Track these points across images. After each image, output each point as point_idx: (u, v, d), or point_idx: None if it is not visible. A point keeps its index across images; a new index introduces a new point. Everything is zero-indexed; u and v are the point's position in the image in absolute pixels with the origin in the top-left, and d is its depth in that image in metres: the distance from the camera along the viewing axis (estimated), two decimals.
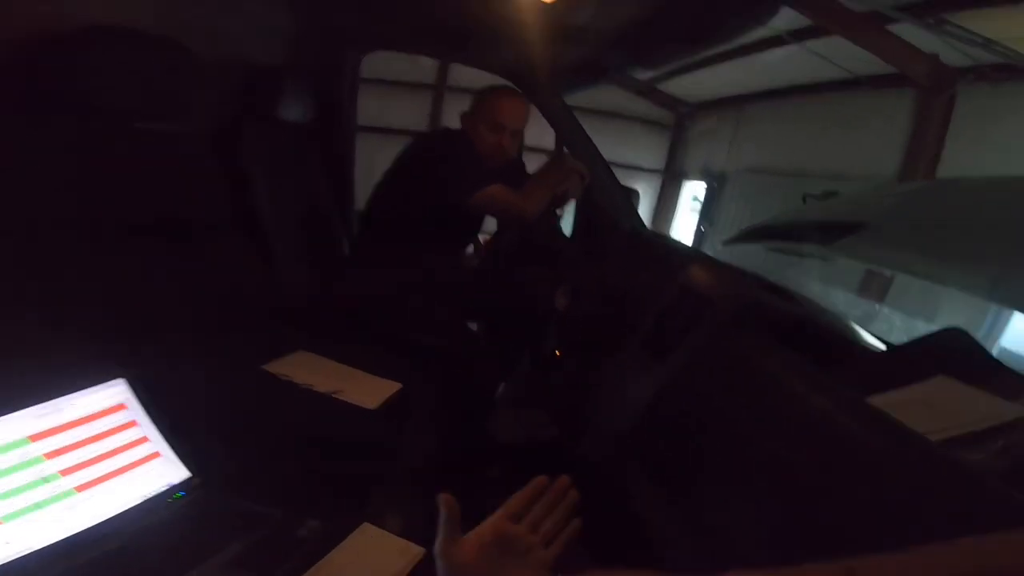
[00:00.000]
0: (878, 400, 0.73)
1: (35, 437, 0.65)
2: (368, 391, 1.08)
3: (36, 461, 0.64)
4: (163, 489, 0.75)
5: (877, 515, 0.55)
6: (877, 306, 2.58)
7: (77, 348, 0.74)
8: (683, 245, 1.77)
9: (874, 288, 2.73)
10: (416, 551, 0.74)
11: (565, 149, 1.69)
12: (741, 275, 1.13)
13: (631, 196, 1.76)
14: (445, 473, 1.25)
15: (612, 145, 5.17)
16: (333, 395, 1.04)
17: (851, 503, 0.58)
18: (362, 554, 0.72)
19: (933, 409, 0.70)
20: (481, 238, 1.89)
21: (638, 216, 1.72)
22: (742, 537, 0.69)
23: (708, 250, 4.12)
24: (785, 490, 0.66)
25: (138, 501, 0.72)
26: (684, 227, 5.51)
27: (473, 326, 1.85)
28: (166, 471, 0.76)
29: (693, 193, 5.54)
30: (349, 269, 1.62)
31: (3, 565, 0.59)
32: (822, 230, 1.17)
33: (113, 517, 0.69)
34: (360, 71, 1.92)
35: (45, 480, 0.64)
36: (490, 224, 1.73)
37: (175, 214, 1.08)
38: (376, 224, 1.56)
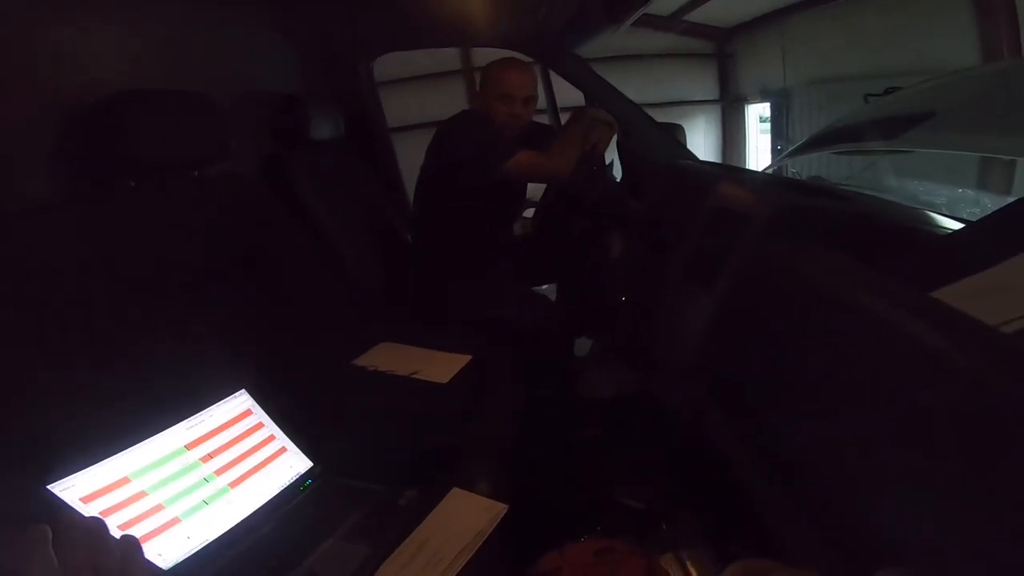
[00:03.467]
0: (944, 292, 0.67)
1: (190, 445, 0.83)
2: (442, 368, 1.23)
3: (195, 466, 0.82)
4: (295, 479, 0.92)
5: (947, 424, 0.51)
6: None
7: (203, 369, 0.93)
8: (715, 166, 1.74)
9: (995, 178, 2.48)
10: (500, 508, 0.86)
11: (590, 103, 1.74)
12: (775, 183, 1.12)
13: (675, 132, 1.78)
14: (538, 435, 1.35)
15: (657, 85, 5.14)
16: (412, 375, 1.20)
17: (913, 412, 0.55)
18: (454, 515, 0.85)
19: (1012, 294, 0.64)
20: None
21: (685, 150, 1.74)
22: (824, 468, 0.68)
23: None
24: (846, 407, 0.64)
25: (277, 491, 0.89)
26: (759, 148, 5.35)
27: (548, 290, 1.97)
28: (294, 463, 0.94)
29: (759, 114, 5.35)
30: (413, 262, 1.78)
31: (190, 556, 0.76)
32: (886, 126, 1.15)
33: (261, 507, 0.86)
34: (374, 75, 2.08)
35: (206, 480, 0.82)
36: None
37: (252, 244, 1.26)
38: (427, 214, 1.71)
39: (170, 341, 0.93)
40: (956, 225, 0.97)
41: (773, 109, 4.96)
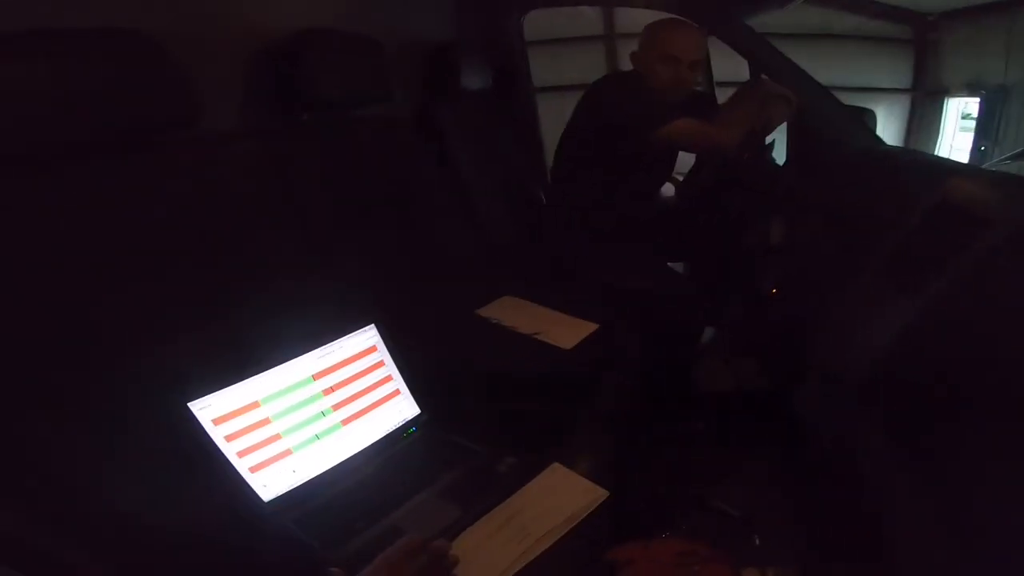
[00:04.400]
0: None
1: (317, 376, 0.86)
2: (566, 332, 1.18)
3: (317, 397, 0.85)
4: (401, 424, 0.94)
5: None
6: None
7: (339, 300, 0.96)
8: (939, 158, 1.51)
9: None
10: (600, 493, 0.81)
11: (765, 77, 1.56)
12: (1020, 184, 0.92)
13: (863, 116, 1.56)
14: (645, 422, 1.31)
15: (837, 67, 4.63)
16: (534, 336, 1.17)
17: None
18: (550, 492, 0.81)
19: None
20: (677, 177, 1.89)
21: (875, 136, 1.52)
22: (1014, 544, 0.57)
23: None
24: None
25: (384, 434, 0.91)
26: (955, 147, 4.69)
27: (680, 268, 1.88)
28: (403, 408, 0.95)
29: (962, 110, 4.64)
30: (547, 220, 1.76)
31: (291, 490, 0.79)
32: None
33: (364, 448, 0.89)
34: (523, 32, 2.06)
35: (323, 414, 0.85)
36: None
37: (397, 185, 1.30)
38: (567, 175, 1.66)
39: (314, 270, 0.97)
40: None
41: (984, 105, 4.27)
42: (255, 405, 0.79)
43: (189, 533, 0.62)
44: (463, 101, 1.73)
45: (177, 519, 0.62)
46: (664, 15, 1.56)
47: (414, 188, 1.34)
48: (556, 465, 0.86)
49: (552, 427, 0.95)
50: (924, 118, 4.93)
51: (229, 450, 0.75)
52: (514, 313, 1.26)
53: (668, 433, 1.45)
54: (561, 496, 0.80)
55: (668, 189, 1.95)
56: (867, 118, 1.58)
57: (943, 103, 4.77)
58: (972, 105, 4.43)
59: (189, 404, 0.73)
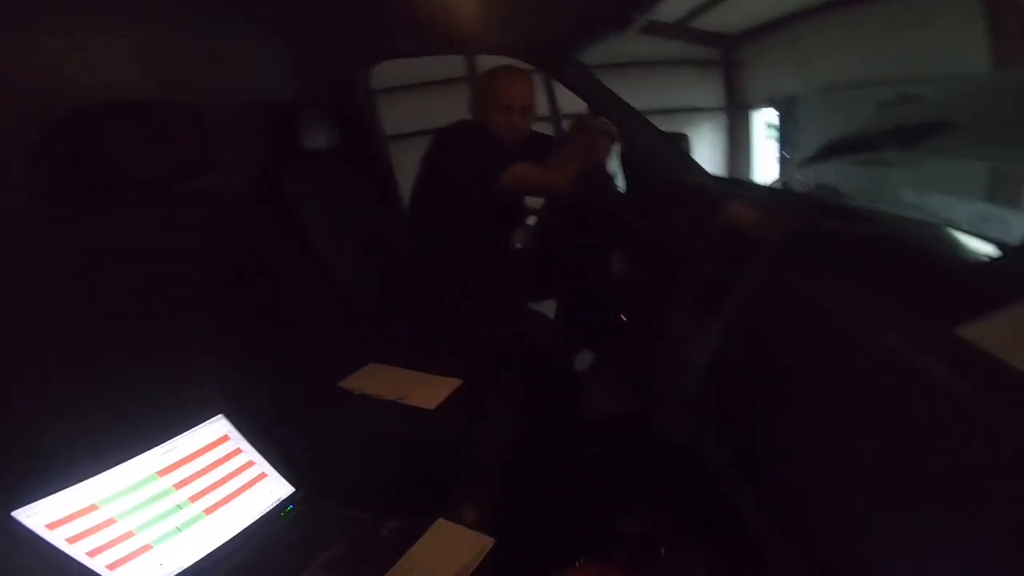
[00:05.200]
0: (974, 329, 0.59)
1: (162, 472, 0.81)
2: (430, 392, 1.19)
3: (168, 492, 0.80)
4: (275, 504, 0.90)
5: (974, 480, 0.47)
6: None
7: (179, 392, 0.90)
8: (722, 181, 1.72)
9: (1008, 189, 2.43)
10: (486, 541, 0.83)
11: (591, 112, 1.72)
12: (787, 202, 1.09)
13: (679, 141, 1.76)
14: (535, 460, 1.34)
15: (661, 93, 5.15)
16: (398, 400, 1.17)
17: (938, 465, 0.50)
18: (437, 549, 0.83)
19: None
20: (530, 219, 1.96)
21: (690, 160, 1.71)
22: (829, 519, 0.65)
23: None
24: (857, 456, 0.60)
25: (256, 517, 0.87)
26: (766, 157, 5.36)
27: (545, 306, 1.93)
28: (274, 488, 0.92)
29: (766, 121, 5.33)
30: (408, 277, 1.74)
31: None
32: (902, 135, 1.12)
33: (239, 534, 0.84)
34: (370, 84, 2.05)
35: (179, 507, 0.81)
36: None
37: (240, 260, 1.23)
38: (421, 228, 1.68)
39: (145, 362, 0.92)
40: (986, 247, 0.89)
41: (780, 116, 4.94)
42: (93, 507, 0.73)
43: None
44: (310, 161, 1.67)
45: None
46: (500, 60, 1.64)
47: (259, 262, 1.27)
48: (441, 521, 0.87)
49: (431, 485, 0.96)
50: (739, 133, 5.59)
51: (76, 551, 0.70)
52: (377, 380, 1.25)
53: (563, 465, 1.48)
54: (449, 552, 0.82)
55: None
56: (682, 142, 1.78)
57: (750, 117, 5.44)
58: (775, 117, 5.13)
59: (13, 513, 0.67)
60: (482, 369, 1.29)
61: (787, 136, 4.85)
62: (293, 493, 0.93)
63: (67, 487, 0.71)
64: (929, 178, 1.91)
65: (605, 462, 1.54)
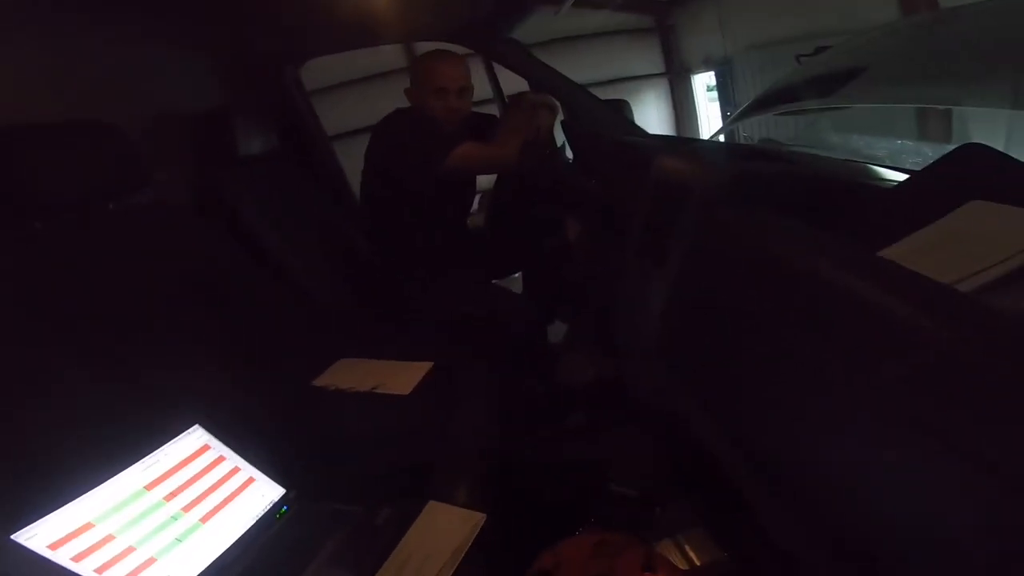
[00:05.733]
0: (894, 250, 0.65)
1: (149, 486, 0.81)
2: (403, 379, 1.22)
3: (159, 505, 0.81)
4: (269, 507, 0.92)
5: (908, 395, 0.50)
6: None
7: (154, 407, 0.90)
8: (658, 138, 1.77)
9: (933, 128, 2.56)
10: (478, 517, 0.87)
11: (529, 88, 1.75)
12: (715, 151, 1.13)
13: (620, 107, 1.80)
14: (521, 430, 1.37)
15: (603, 63, 5.21)
16: (373, 390, 1.19)
17: (874, 385, 0.53)
18: (432, 530, 0.86)
19: (964, 245, 0.62)
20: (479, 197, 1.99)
21: (633, 125, 1.76)
22: (788, 445, 0.68)
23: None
24: (804, 380, 0.63)
25: (253, 521, 0.89)
26: (710, 117, 5.47)
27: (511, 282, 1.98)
28: (266, 492, 0.93)
29: (706, 84, 5.47)
30: (368, 271, 1.75)
31: None
32: (820, 84, 1.19)
33: (239, 538, 0.86)
34: (302, 83, 2.03)
35: (174, 518, 0.81)
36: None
37: (194, 272, 1.22)
38: (375, 221, 1.69)
39: (113, 381, 0.91)
40: (902, 177, 0.97)
41: (718, 77, 5.08)
42: (89, 526, 0.74)
43: None
44: (249, 167, 1.65)
45: None
46: (434, 46, 1.64)
47: (210, 270, 1.26)
48: (432, 503, 0.90)
49: (417, 470, 0.98)
50: (681, 96, 5.72)
51: (83, 569, 0.70)
52: (349, 374, 1.27)
53: (547, 437, 1.50)
54: (443, 531, 0.85)
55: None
56: (624, 108, 1.83)
57: (690, 80, 5.57)
58: (713, 78, 5.17)
59: (13, 537, 0.67)
60: (452, 350, 1.31)
61: (726, 95, 5.02)
62: (285, 494, 0.94)
63: (58, 508, 0.72)
64: (849, 121, 2.03)
65: (589, 430, 1.56)
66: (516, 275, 2.06)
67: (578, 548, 0.72)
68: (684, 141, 1.57)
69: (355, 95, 4.20)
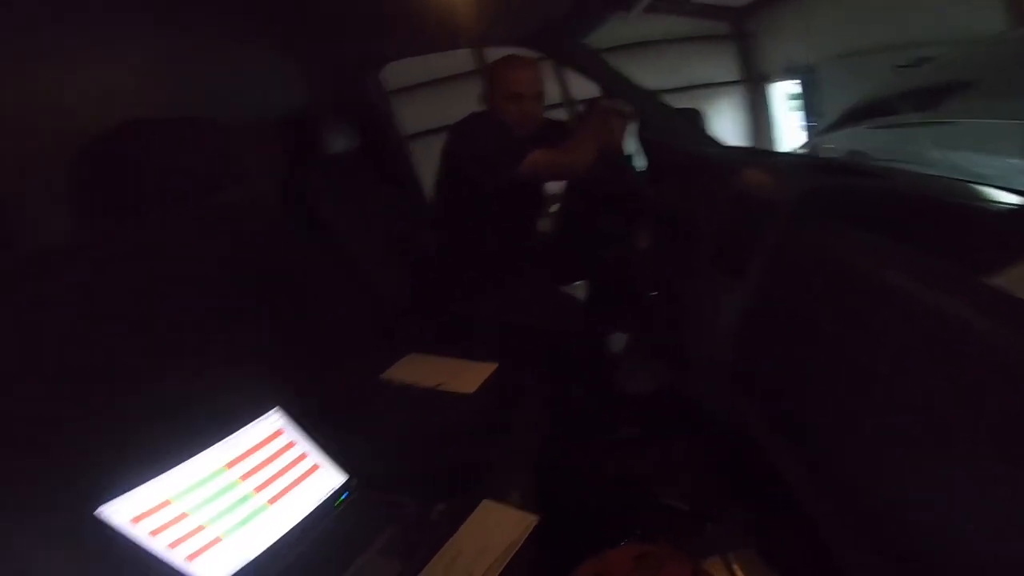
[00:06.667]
0: (1007, 277, 0.62)
1: (229, 464, 0.86)
2: (468, 378, 1.24)
3: (234, 484, 0.86)
4: (330, 494, 0.96)
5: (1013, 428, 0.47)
6: None
7: (239, 391, 0.96)
8: (736, 150, 1.71)
9: None
10: (531, 519, 0.87)
11: (603, 94, 1.72)
12: (801, 165, 1.08)
13: (692, 117, 1.75)
14: (575, 437, 1.37)
15: (675, 70, 5.10)
16: (437, 387, 1.21)
17: (980, 413, 0.50)
18: (484, 529, 0.86)
19: None
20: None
21: (706, 135, 1.71)
22: (863, 462, 0.65)
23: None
24: (886, 397, 0.61)
25: (313, 507, 0.93)
26: (789, 127, 5.23)
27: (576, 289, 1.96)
28: (328, 479, 0.97)
29: (786, 92, 5.24)
30: (438, 269, 1.77)
31: (234, 574, 0.80)
32: (922, 97, 1.12)
33: (299, 523, 0.90)
34: (383, 85, 2.09)
35: (244, 499, 0.86)
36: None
37: (276, 265, 1.28)
38: (447, 222, 1.71)
39: (203, 367, 0.97)
40: (1012, 198, 0.90)
41: (802, 86, 4.85)
42: (166, 503, 0.79)
43: None
44: (330, 166, 1.71)
45: None
46: (507, 51, 1.64)
47: (292, 265, 1.33)
48: (486, 502, 0.90)
49: (475, 468, 0.99)
50: (757, 105, 5.48)
51: (157, 544, 0.75)
52: (416, 369, 1.31)
53: (602, 444, 1.49)
54: (495, 531, 0.85)
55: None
56: (696, 119, 1.78)
57: (768, 89, 5.34)
58: (794, 87, 4.95)
59: (99, 510, 0.72)
60: (512, 353, 1.32)
61: (810, 105, 4.78)
62: (346, 482, 0.98)
63: (144, 483, 0.77)
64: (952, 137, 1.88)
65: (642, 440, 1.53)
66: (579, 283, 2.05)
67: (621, 559, 0.72)
68: (765, 153, 1.50)
69: (428, 96, 4.31)
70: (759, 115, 5.54)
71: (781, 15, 4.85)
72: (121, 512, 0.74)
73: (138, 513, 0.75)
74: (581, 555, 0.78)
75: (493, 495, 0.92)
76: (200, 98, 1.37)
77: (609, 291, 1.84)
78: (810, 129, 4.79)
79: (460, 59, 4.59)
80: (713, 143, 1.71)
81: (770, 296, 0.86)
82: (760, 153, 1.49)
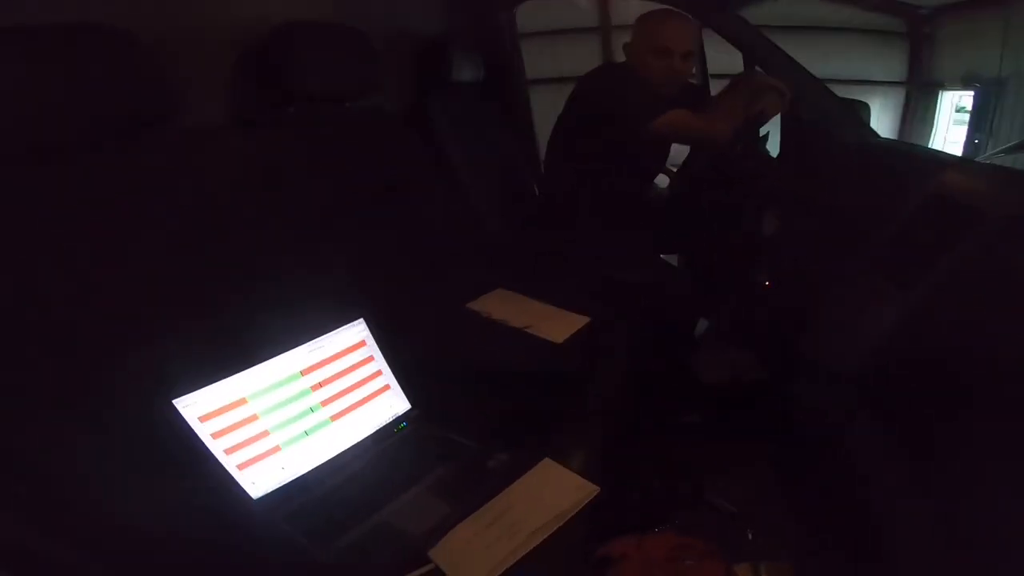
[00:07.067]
0: None
1: (305, 371, 0.86)
2: (558, 326, 1.17)
3: (305, 393, 0.85)
4: (391, 420, 0.94)
5: None
6: None
7: (328, 295, 0.96)
8: (934, 151, 1.52)
9: None
10: (591, 489, 0.81)
11: (758, 69, 1.57)
12: (1020, 177, 0.92)
13: (857, 108, 1.57)
14: (638, 415, 1.31)
15: (830, 59, 4.67)
16: (525, 329, 1.16)
17: None
18: (540, 488, 0.81)
19: None
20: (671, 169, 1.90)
21: (868, 129, 1.53)
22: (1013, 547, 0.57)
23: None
24: None
25: (374, 430, 0.92)
26: (948, 141, 4.70)
27: (673, 259, 1.90)
28: (394, 403, 0.95)
29: (956, 103, 4.66)
30: (541, 212, 1.75)
31: (280, 487, 0.80)
32: None
33: (356, 444, 0.89)
34: (516, 24, 2.08)
35: (311, 410, 0.85)
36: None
37: (388, 178, 1.31)
38: (560, 167, 1.65)
39: (302, 264, 0.97)
40: None
41: (978, 98, 4.29)
42: (242, 402, 0.78)
43: (179, 532, 0.62)
44: (455, 94, 1.73)
45: (166, 518, 0.62)
46: (657, 5, 1.56)
47: (405, 180, 1.34)
48: (547, 461, 0.86)
49: (543, 422, 0.95)
50: (918, 111, 4.96)
51: (216, 447, 0.75)
52: (505, 306, 1.25)
53: (663, 426, 1.45)
54: (552, 492, 0.80)
55: (663, 181, 1.96)
56: (861, 111, 1.58)
57: (938, 96, 4.79)
58: (966, 98, 4.44)
59: (174, 401, 0.72)
60: (608, 310, 1.26)
61: (983, 120, 4.23)
62: (409, 410, 0.96)
63: (223, 378, 0.77)
64: None
65: (705, 430, 1.49)
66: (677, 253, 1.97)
67: (657, 546, 0.68)
68: (968, 160, 1.33)
69: (543, 45, 4.23)
70: (916, 123, 5.05)
71: (976, 20, 4.32)
72: (194, 407, 0.74)
73: (211, 410, 0.75)
74: (619, 529, 0.75)
75: (555, 455, 0.87)
76: (354, 11, 1.43)
77: (715, 270, 1.73)
78: (975, 147, 4.29)
79: (584, 15, 4.46)
80: (882, 139, 1.54)
81: (938, 314, 0.76)
82: (961, 158, 1.31)
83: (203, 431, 0.74)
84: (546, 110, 2.04)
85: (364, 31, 1.27)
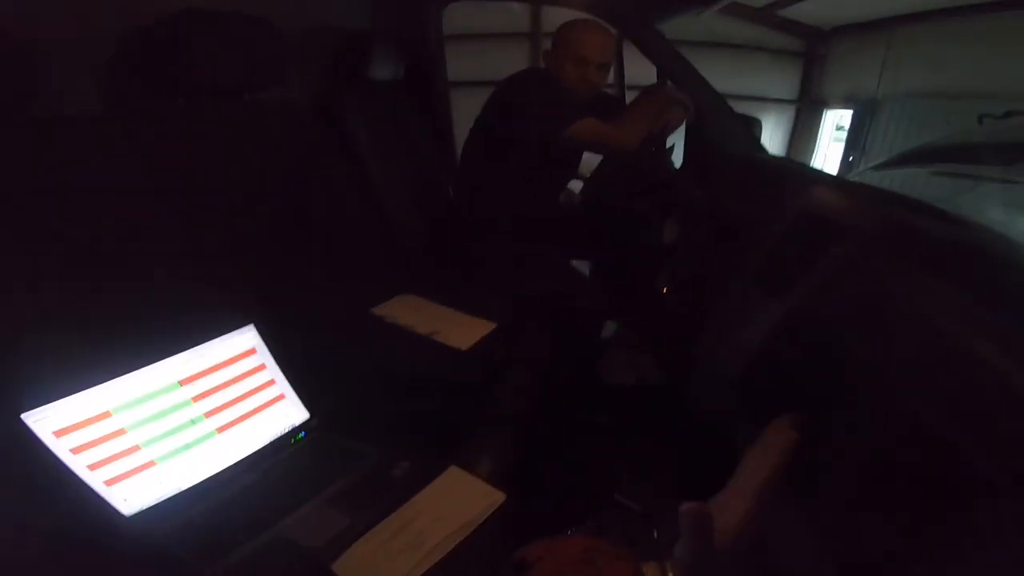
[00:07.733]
0: None
1: (184, 381, 0.78)
2: (463, 332, 1.16)
3: (185, 404, 0.78)
4: (288, 430, 0.88)
5: None
6: None
7: (214, 299, 0.88)
8: (809, 168, 1.65)
9: None
10: (497, 496, 0.79)
11: (668, 82, 1.64)
12: (880, 195, 1.01)
13: (750, 124, 1.66)
14: (547, 418, 1.29)
15: (733, 76, 4.96)
16: (430, 336, 1.13)
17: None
18: (446, 496, 0.79)
19: None
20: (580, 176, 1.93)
21: (759, 145, 1.63)
22: (871, 532, 0.60)
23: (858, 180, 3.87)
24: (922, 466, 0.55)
25: (268, 441, 0.85)
26: (828, 158, 5.15)
27: (581, 266, 1.91)
28: (290, 413, 0.89)
29: (836, 122, 5.11)
30: (452, 217, 1.73)
31: (156, 504, 0.73)
32: (1004, 152, 1.02)
33: (245, 457, 0.82)
34: (442, 26, 2.03)
35: (192, 422, 0.78)
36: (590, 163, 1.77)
37: (292, 175, 1.24)
38: (473, 173, 1.64)
39: (181, 266, 0.90)
40: None
41: (855, 118, 4.72)
42: (106, 415, 0.71)
43: (41, 556, 0.56)
44: (373, 91, 1.66)
45: (25, 541, 0.56)
46: (578, 15, 1.58)
47: (308, 178, 1.27)
48: (453, 468, 0.84)
49: (449, 429, 0.93)
50: (805, 129, 5.37)
51: (76, 464, 0.68)
52: (411, 312, 1.22)
53: (572, 427, 1.46)
54: (458, 501, 0.78)
55: (576, 187, 1.99)
56: (754, 127, 1.69)
57: (822, 115, 5.21)
58: (846, 118, 4.84)
59: (23, 416, 0.65)
60: (515, 317, 1.25)
61: (857, 139, 4.65)
62: (307, 420, 0.91)
63: (82, 390, 0.69)
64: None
65: (613, 432, 1.51)
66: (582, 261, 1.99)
67: (568, 548, 0.67)
68: (838, 177, 1.44)
69: (469, 48, 4.21)
70: (802, 139, 5.47)
71: (860, 44, 4.69)
72: (46, 421, 0.66)
73: (67, 424, 0.68)
74: (530, 533, 0.73)
75: (462, 462, 0.85)
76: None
77: (619, 277, 1.78)
78: (848, 163, 4.70)
79: (513, 18, 4.49)
80: (768, 155, 1.63)
81: (803, 322, 0.80)
82: (832, 176, 1.42)
83: (59, 446, 0.67)
84: (467, 113, 2.03)
85: (270, 21, 1.19)
